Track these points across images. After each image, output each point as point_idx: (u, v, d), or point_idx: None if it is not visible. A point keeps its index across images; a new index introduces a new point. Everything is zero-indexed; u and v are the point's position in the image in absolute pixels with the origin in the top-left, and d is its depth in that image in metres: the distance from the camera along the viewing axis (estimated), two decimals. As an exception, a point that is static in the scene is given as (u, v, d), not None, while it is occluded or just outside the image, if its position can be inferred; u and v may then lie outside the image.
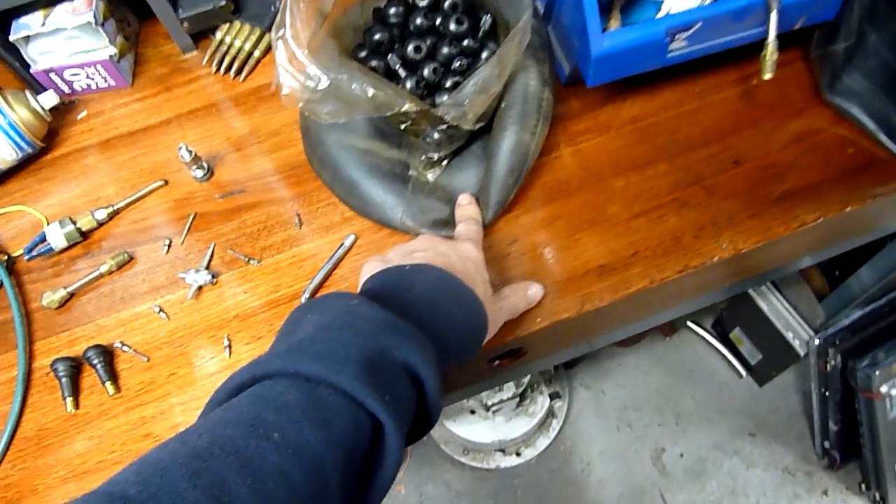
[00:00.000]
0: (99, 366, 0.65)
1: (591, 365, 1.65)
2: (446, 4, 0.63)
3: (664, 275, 0.65)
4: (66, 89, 0.81)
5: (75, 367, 0.66)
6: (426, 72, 0.61)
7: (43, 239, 0.71)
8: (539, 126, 0.63)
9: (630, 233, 0.67)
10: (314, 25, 0.56)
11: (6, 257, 0.72)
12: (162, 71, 0.83)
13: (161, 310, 0.68)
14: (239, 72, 0.80)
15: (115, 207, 0.74)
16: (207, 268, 0.69)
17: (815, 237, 0.76)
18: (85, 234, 0.73)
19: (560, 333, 0.69)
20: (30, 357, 0.68)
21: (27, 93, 0.75)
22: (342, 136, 0.68)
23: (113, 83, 0.81)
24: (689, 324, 1.63)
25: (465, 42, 0.63)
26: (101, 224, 0.73)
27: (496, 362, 0.71)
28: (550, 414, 1.53)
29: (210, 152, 0.76)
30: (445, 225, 0.66)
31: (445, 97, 0.61)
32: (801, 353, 1.45)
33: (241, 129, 0.78)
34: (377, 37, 0.63)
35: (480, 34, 0.64)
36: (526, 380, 1.36)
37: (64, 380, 0.65)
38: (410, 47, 0.62)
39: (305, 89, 0.54)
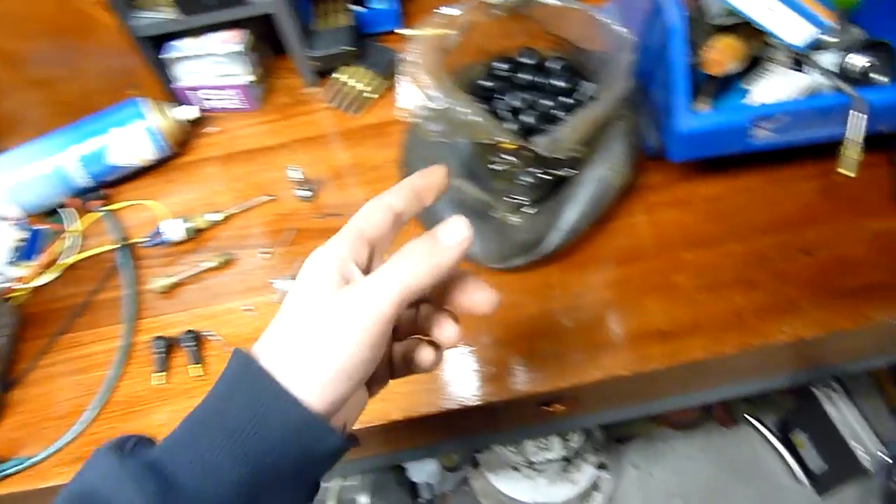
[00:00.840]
0: (190, 349, 0.72)
1: (643, 444, 1.62)
2: (553, 65, 0.69)
3: (723, 349, 0.67)
4: (202, 106, 0.91)
5: (169, 347, 0.73)
6: (527, 118, 0.68)
7: (161, 231, 0.80)
8: (625, 168, 0.68)
9: (694, 304, 0.70)
10: (437, 57, 0.63)
11: (128, 243, 0.82)
12: (285, 100, 0.93)
13: (250, 309, 0.76)
14: (353, 109, 0.89)
15: (227, 213, 0.82)
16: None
17: (883, 338, 0.77)
18: (197, 233, 0.82)
19: (614, 390, 0.72)
20: (132, 332, 0.76)
21: (170, 105, 0.86)
22: (436, 175, 0.75)
23: (243, 106, 0.91)
24: (749, 417, 1.59)
25: (566, 99, 0.69)
26: (212, 225, 0.82)
27: (547, 407, 0.74)
28: (595, 486, 1.51)
29: (315, 177, 0.84)
30: (509, 258, 0.71)
31: (539, 140, 0.67)
32: (869, 469, 1.39)
33: (345, 160, 0.86)
34: (486, 84, 0.70)
35: (580, 97, 0.70)
36: (574, 444, 1.36)
37: (158, 356, 0.73)
38: (514, 96, 0.69)
39: (422, 107, 0.61)
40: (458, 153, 0.76)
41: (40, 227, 0.84)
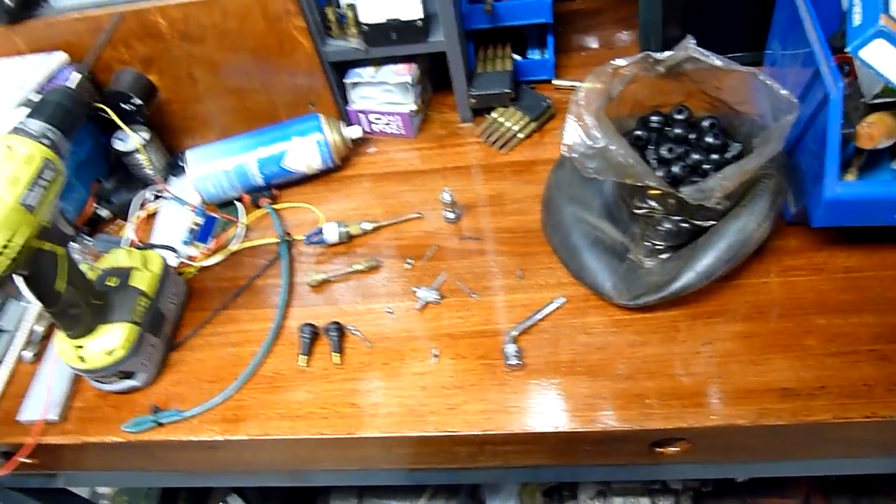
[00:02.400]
0: (334, 338, 0.79)
1: (732, 528, 1.56)
2: (705, 123, 0.74)
3: (848, 415, 0.67)
4: (367, 128, 1.01)
5: (315, 334, 0.81)
6: (675, 168, 0.72)
7: (320, 232, 0.89)
8: (767, 222, 0.71)
9: (822, 367, 0.71)
10: (601, 102, 0.69)
11: (290, 239, 0.91)
12: (440, 132, 1.02)
13: (391, 312, 0.82)
14: (503, 146, 0.96)
15: (378, 224, 0.90)
16: (437, 289, 0.82)
17: None
18: (350, 238, 0.90)
19: (729, 440, 0.72)
20: (283, 317, 0.84)
21: (341, 123, 0.96)
22: (578, 210, 0.80)
23: (402, 132, 1.00)
24: (854, 521, 1.50)
25: (714, 156, 0.73)
26: (364, 233, 0.90)
27: (659, 448, 0.75)
28: (676, 562, 1.46)
29: (461, 202, 0.91)
30: (640, 297, 0.75)
31: (685, 189, 0.70)
32: None
33: (490, 191, 0.93)
34: (638, 133, 0.76)
35: (729, 156, 0.74)
36: (663, 510, 1.33)
37: (305, 341, 0.80)
38: (664, 148, 0.74)
39: (583, 144, 0.67)
40: (602, 194, 0.81)
41: (215, 215, 0.95)
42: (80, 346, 0.75)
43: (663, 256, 0.77)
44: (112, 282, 0.80)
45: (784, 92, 0.64)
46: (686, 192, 0.69)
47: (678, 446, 0.75)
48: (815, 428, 0.69)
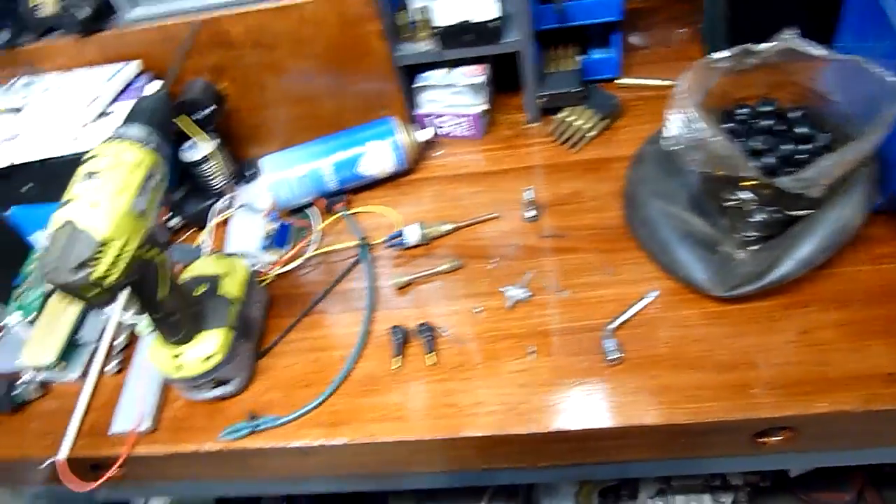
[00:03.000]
0: (427, 339, 0.79)
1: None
2: (794, 114, 0.75)
3: (956, 397, 0.68)
4: (435, 131, 1.02)
5: (406, 336, 0.81)
6: (769, 160, 0.73)
7: (399, 235, 0.89)
8: (864, 210, 0.72)
9: (925, 352, 0.71)
10: (700, 95, 0.70)
11: (369, 242, 0.91)
12: (507, 133, 1.02)
13: (480, 311, 0.82)
14: (574, 145, 0.97)
15: (457, 225, 0.90)
16: (526, 287, 0.83)
17: None
18: (429, 240, 0.90)
19: (838, 427, 0.72)
20: (370, 320, 0.84)
21: (412, 126, 0.96)
22: (665, 205, 0.81)
23: (471, 133, 1.01)
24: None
25: (806, 146, 0.74)
26: (443, 235, 0.90)
27: (762, 439, 0.75)
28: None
29: (538, 202, 0.92)
30: (736, 287, 0.75)
31: (785, 179, 0.71)
32: None
33: (565, 189, 0.93)
34: (727, 126, 0.76)
35: (819, 146, 0.74)
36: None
37: (396, 342, 0.80)
38: (756, 140, 0.74)
39: (684, 137, 0.67)
40: (688, 187, 0.81)
41: (289, 221, 0.95)
42: (178, 354, 0.74)
43: (754, 248, 0.77)
44: (202, 289, 0.79)
45: (892, 79, 0.65)
46: (787, 181, 0.69)
47: (781, 435, 0.75)
48: (923, 412, 0.69)
